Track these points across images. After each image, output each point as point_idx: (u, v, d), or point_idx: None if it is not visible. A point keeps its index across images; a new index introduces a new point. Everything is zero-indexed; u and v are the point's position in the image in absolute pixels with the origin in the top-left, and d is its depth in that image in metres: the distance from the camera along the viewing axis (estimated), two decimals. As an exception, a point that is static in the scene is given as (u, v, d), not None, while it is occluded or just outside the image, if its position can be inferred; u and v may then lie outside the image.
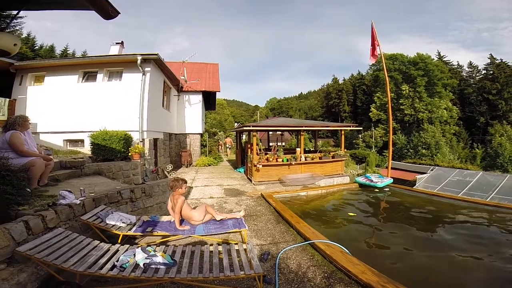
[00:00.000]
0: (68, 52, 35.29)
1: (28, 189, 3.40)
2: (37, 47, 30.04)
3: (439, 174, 11.27)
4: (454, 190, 9.26)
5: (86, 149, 7.96)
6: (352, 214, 6.26)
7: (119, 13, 2.88)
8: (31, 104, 8.64)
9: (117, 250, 2.56)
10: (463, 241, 4.74)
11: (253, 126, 9.36)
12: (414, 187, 9.93)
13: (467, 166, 15.10)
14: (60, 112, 8.57)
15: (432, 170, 12.12)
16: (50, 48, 32.52)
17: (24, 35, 28.56)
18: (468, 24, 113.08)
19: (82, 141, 8.53)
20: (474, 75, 48.71)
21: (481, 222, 5.79)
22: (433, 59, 46.02)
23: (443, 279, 3.44)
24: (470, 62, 49.55)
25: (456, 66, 50.94)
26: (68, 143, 8.78)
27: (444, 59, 51.39)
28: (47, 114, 8.52)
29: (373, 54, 10.08)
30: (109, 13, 2.78)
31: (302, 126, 10.25)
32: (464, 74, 49.83)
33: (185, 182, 3.88)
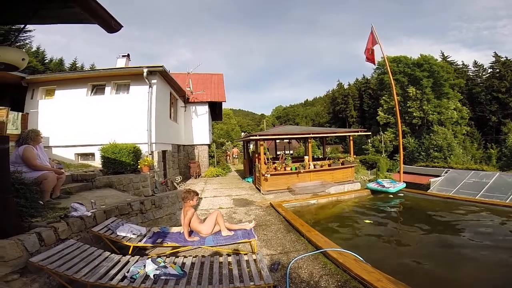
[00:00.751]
0: (77, 65, 36.21)
1: (41, 202, 3.48)
2: (47, 61, 30.95)
3: (454, 176, 10.92)
4: (471, 192, 8.95)
5: (97, 162, 8.08)
6: (368, 221, 6.11)
7: (122, 26, 2.96)
8: (42, 118, 8.84)
9: (128, 261, 2.56)
10: (484, 246, 4.54)
11: (259, 136, 9.37)
12: (429, 191, 9.65)
13: (482, 167, 14.58)
14: (71, 125, 8.73)
15: (446, 172, 11.77)
16: (59, 62, 33.48)
17: (34, 48, 29.44)
18: (467, 23, 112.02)
19: (93, 154, 8.68)
20: (480, 74, 47.82)
21: (503, 223, 5.56)
22: (437, 60, 45.49)
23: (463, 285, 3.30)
24: (475, 61, 48.78)
25: (461, 66, 50.18)
26: (79, 156, 8.94)
27: (448, 59, 50.78)
28: (58, 127, 8.68)
29: (371, 56, 10.13)
30: (112, 26, 2.87)
31: (310, 134, 10.19)
32: (471, 74, 48.96)
33: (197, 194, 3.89)
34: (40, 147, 4.20)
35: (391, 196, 8.38)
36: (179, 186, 9.87)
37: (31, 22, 3.04)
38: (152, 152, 8.76)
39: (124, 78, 9.18)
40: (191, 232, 3.67)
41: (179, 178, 11.03)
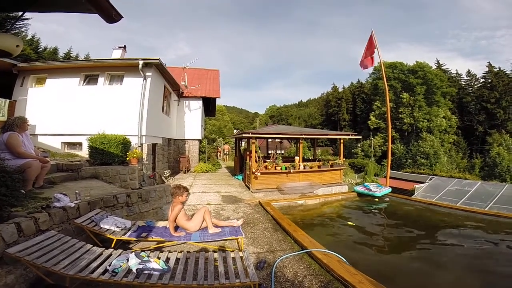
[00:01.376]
0: (71, 55, 35.26)
1: (23, 191, 3.37)
2: (40, 49, 30.03)
3: (438, 183, 11.25)
4: (452, 199, 9.25)
5: (84, 153, 7.90)
6: (351, 223, 6.21)
7: (122, 17, 2.89)
8: (31, 106, 8.60)
9: (110, 255, 2.51)
10: (462, 250, 4.71)
11: (252, 134, 9.35)
12: (413, 197, 9.91)
13: (465, 176, 15.08)
14: (60, 114, 8.52)
15: (430, 179, 12.12)
16: (53, 51, 32.52)
17: (29, 36, 28.63)
18: (466, 32, 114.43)
19: (80, 144, 8.48)
20: (472, 83, 48.97)
21: (479, 231, 5.77)
22: (432, 67, 46.36)
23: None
24: (469, 70, 49.70)
25: (454, 75, 51.22)
26: (66, 145, 8.73)
27: (443, 68, 51.84)
28: (46, 116, 8.47)
29: (370, 61, 10.25)
30: (112, 16, 2.80)
31: (301, 134, 10.26)
32: (463, 83, 49.98)
33: (187, 190, 3.85)
34: (26, 135, 4.06)
35: (377, 200, 8.55)
36: (167, 180, 9.76)
37: (31, 10, 2.94)
38: (141, 144, 8.62)
39: (118, 69, 9.02)
40: (177, 228, 3.64)
41: (168, 172, 10.91)
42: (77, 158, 7.45)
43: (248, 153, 9.84)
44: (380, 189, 8.92)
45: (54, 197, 3.25)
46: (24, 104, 8.60)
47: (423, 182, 12.18)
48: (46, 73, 9.02)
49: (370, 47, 10.15)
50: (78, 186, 4.71)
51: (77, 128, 8.40)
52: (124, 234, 3.21)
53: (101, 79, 8.95)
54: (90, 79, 9.17)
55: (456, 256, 4.49)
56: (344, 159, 11.18)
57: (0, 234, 2.12)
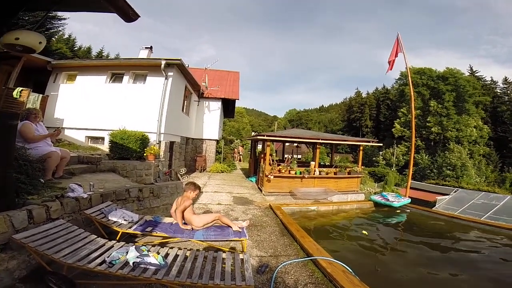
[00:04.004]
0: (103, 54, 37.22)
1: (42, 180, 3.57)
2: (76, 48, 32.06)
3: (463, 196, 10.53)
4: (477, 213, 8.61)
5: (105, 147, 8.28)
6: (365, 232, 5.98)
7: (139, 16, 3.00)
8: (61, 101, 9.21)
9: (112, 246, 2.58)
10: (481, 268, 4.36)
11: (267, 136, 9.31)
12: (434, 209, 9.34)
13: (494, 189, 13.98)
14: (86, 109, 9.02)
15: (455, 191, 11.37)
16: (87, 50, 34.57)
17: (66, 36, 30.65)
18: (503, 38, 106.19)
19: (102, 138, 8.91)
20: (509, 91, 45.46)
21: (504, 247, 5.32)
22: (464, 74, 43.58)
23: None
24: (506, 77, 46.16)
25: (489, 82, 47.84)
26: (89, 139, 9.21)
27: (476, 75, 48.61)
28: (74, 111, 9.03)
29: (391, 64, 9.93)
30: (129, 16, 2.91)
31: (319, 139, 10.03)
32: (498, 91, 46.50)
33: (199, 188, 3.92)
34: (40, 125, 4.34)
35: (398, 211, 8.18)
36: (183, 178, 9.97)
37: (55, 9, 3.14)
38: (159, 141, 8.89)
39: (142, 69, 9.42)
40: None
41: (184, 170, 11.14)
42: (98, 151, 7.82)
43: (262, 155, 9.81)
44: (398, 199, 8.51)
45: (69, 187, 3.42)
46: (55, 99, 9.22)
47: (447, 194, 11.46)
48: (76, 71, 9.63)
49: (396, 50, 9.82)
50: (94, 178, 4.93)
51: (100, 123, 8.83)
52: (129, 228, 3.29)
53: (126, 78, 9.40)
54: (116, 77, 9.65)
55: (471, 273, 4.16)
56: (363, 167, 10.80)
57: (11, 220, 2.24)
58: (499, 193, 11.75)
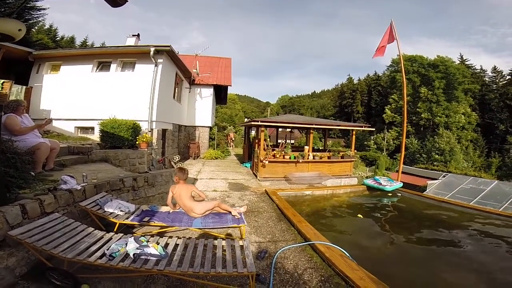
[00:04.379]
0: (87, 43, 35.84)
1: (32, 173, 3.44)
2: (58, 38, 30.70)
3: (452, 181, 10.87)
4: (466, 198, 8.93)
5: (96, 136, 8.07)
6: (360, 216, 6.12)
7: (127, 1, 2.82)
8: (46, 92, 8.88)
9: (110, 238, 2.54)
10: (471, 251, 4.55)
11: (261, 122, 9.25)
12: (424, 193, 9.63)
13: (480, 174, 14.52)
14: (74, 100, 8.74)
15: (444, 176, 11.73)
16: (70, 40, 33.22)
17: (47, 26, 29.26)
18: (494, 28, 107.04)
19: (92, 128, 8.67)
20: (497, 80, 46.31)
21: (492, 232, 5.55)
22: (454, 62, 44.07)
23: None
24: (495, 66, 46.93)
25: (479, 71, 48.57)
26: (79, 130, 8.96)
27: (466, 63, 49.18)
28: (61, 101, 8.73)
29: (382, 50, 9.84)
30: (116, 0, 2.74)
31: (312, 124, 10.05)
32: (487, 79, 47.36)
33: (186, 172, 3.87)
34: (26, 116, 4.14)
35: (390, 194, 8.38)
36: (176, 166, 9.88)
37: None
38: (151, 129, 8.73)
39: (130, 56, 9.11)
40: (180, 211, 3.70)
41: (177, 157, 11.03)
42: (88, 141, 7.61)
43: (256, 141, 9.78)
44: (390, 183, 8.70)
45: (61, 179, 3.31)
46: (39, 90, 8.89)
47: (436, 179, 11.81)
48: (60, 61, 9.24)
49: (388, 37, 9.69)
50: (87, 169, 4.80)
51: (89, 113, 8.59)
52: (126, 218, 3.25)
53: (113, 66, 9.08)
54: (103, 66, 9.31)
55: (464, 256, 4.34)
56: (355, 151, 10.94)
57: (4, 216, 2.16)
58: (485, 178, 12.17)
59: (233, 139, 24.93)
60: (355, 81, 69.48)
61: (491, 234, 5.42)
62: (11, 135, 3.64)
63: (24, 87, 8.43)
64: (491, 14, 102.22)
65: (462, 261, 4.14)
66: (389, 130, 44.06)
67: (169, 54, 9.42)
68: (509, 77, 44.10)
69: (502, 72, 45.73)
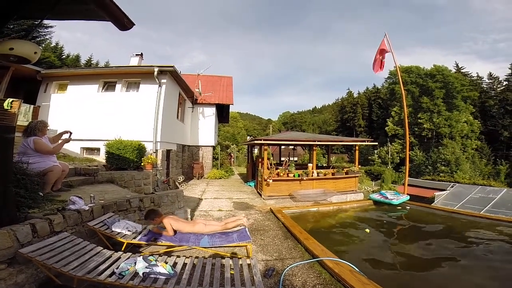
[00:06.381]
0: (92, 62, 36.87)
1: (41, 193, 3.51)
2: (64, 56, 31.66)
3: (460, 191, 10.70)
4: (476, 207, 8.75)
5: (101, 157, 8.17)
6: (368, 231, 6.00)
7: (134, 24, 2.98)
8: (53, 111, 9.05)
9: (119, 258, 2.54)
10: (486, 262, 4.41)
11: (264, 140, 9.32)
12: (433, 204, 9.46)
13: (489, 183, 14.26)
14: (80, 120, 8.86)
15: (452, 186, 11.55)
16: (75, 58, 34.24)
17: (53, 44, 30.22)
18: (484, 35, 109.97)
19: (98, 149, 8.78)
20: (495, 86, 46.57)
21: (507, 240, 5.39)
22: (451, 71, 44.62)
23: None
24: (490, 73, 47.43)
25: (475, 78, 49.01)
26: (85, 150, 9.06)
27: (462, 71, 49.79)
28: (67, 121, 8.76)
29: (380, 65, 10.02)
30: (124, 24, 2.89)
31: (315, 141, 10.10)
32: (485, 86, 47.67)
33: (157, 212, 3.78)
34: (45, 138, 4.28)
35: (399, 207, 8.25)
36: (181, 186, 9.88)
37: (47, 18, 3.09)
38: (156, 150, 8.81)
39: (135, 76, 9.32)
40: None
41: (181, 177, 11.06)
42: (94, 163, 7.72)
43: (260, 160, 9.81)
44: (397, 197, 8.59)
45: (69, 199, 3.36)
46: (47, 109, 9.07)
47: (443, 190, 11.63)
48: (67, 80, 9.48)
49: (383, 51, 9.93)
50: (94, 190, 4.86)
51: (95, 134, 8.70)
52: (134, 238, 3.25)
53: (118, 86, 9.29)
54: (109, 86, 9.54)
55: (482, 268, 4.21)
56: (359, 166, 10.91)
57: (15, 234, 2.20)
58: (495, 186, 11.97)
59: (233, 159, 24.91)
60: (355, 95, 70.37)
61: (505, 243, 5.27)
62: (42, 157, 3.85)
63: (32, 106, 8.58)
64: (478, 21, 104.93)
65: (482, 273, 4.01)
66: (392, 143, 43.93)
67: (172, 74, 9.68)
68: (506, 83, 44.39)
69: (499, 78, 46.16)
